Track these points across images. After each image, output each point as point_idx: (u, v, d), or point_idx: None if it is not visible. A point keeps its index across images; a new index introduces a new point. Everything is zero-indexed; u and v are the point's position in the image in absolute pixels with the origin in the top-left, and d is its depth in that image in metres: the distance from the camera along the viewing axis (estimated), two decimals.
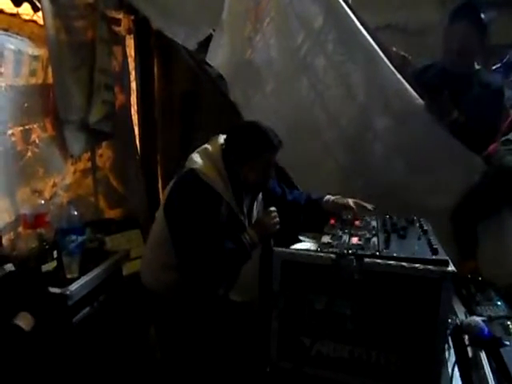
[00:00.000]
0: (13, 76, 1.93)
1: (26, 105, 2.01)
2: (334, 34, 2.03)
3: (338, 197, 1.72)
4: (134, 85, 2.70)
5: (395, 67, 1.94)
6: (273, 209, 1.47)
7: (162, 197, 1.59)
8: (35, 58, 2.04)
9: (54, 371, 1.65)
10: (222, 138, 1.56)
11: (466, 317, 1.47)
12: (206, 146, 1.57)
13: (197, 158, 1.51)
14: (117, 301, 2.03)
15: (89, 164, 2.47)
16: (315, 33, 2.04)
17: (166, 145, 2.83)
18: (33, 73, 2.05)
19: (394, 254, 1.24)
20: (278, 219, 1.46)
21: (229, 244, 1.40)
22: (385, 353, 1.25)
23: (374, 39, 1.96)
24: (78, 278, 1.77)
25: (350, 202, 1.65)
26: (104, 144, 2.55)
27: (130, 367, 2.10)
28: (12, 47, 1.89)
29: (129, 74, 2.64)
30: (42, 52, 2.05)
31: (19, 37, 1.95)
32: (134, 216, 2.65)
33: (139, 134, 2.77)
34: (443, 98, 1.86)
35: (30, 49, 2.00)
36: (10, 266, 1.49)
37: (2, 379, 1.43)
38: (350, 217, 1.56)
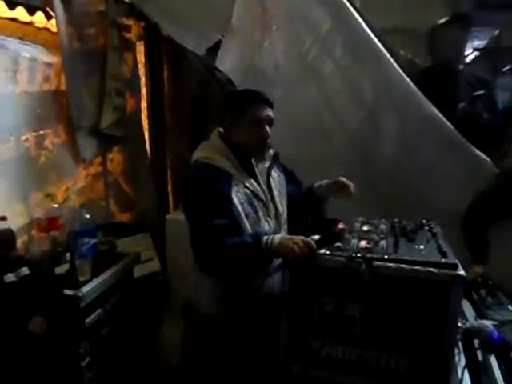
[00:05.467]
0: (27, 82, 1.98)
1: (39, 111, 2.06)
2: (342, 38, 2.05)
3: (326, 180, 1.68)
4: (144, 90, 2.74)
5: (403, 70, 1.95)
6: (307, 240, 1.27)
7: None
8: (49, 65, 2.08)
9: (66, 372, 1.68)
10: (219, 129, 1.55)
11: (476, 321, 1.47)
12: None
13: (196, 151, 1.51)
14: (128, 303, 2.06)
15: (100, 168, 2.51)
16: (323, 37, 2.06)
17: (176, 149, 2.86)
18: (46, 79, 2.09)
19: (403, 257, 1.24)
20: (299, 249, 1.25)
21: (246, 237, 1.34)
22: (394, 356, 1.25)
23: (381, 42, 1.97)
24: (90, 280, 1.81)
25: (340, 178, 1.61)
26: (115, 149, 2.58)
27: (140, 368, 2.12)
28: (27, 55, 1.94)
29: (139, 79, 2.67)
30: (55, 59, 2.10)
31: (34, 45, 2.00)
32: (143, 219, 2.68)
33: (149, 139, 2.79)
34: (476, 101, 1.91)
35: (44, 56, 2.05)
36: (25, 270, 1.51)
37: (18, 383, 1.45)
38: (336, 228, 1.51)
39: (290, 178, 1.72)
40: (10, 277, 1.45)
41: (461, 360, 1.30)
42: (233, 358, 1.48)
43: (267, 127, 1.47)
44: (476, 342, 1.33)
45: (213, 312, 1.48)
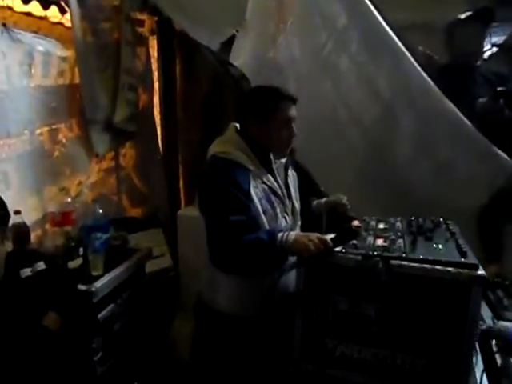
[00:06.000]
0: (42, 77, 1.99)
1: (53, 105, 2.06)
2: (358, 33, 2.02)
3: (325, 199, 1.71)
4: (156, 85, 2.74)
5: (421, 66, 1.91)
6: (323, 238, 1.26)
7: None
8: (63, 59, 2.09)
9: (79, 367, 1.69)
10: (235, 124, 1.52)
11: (494, 322, 1.44)
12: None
13: (212, 146, 1.48)
14: (140, 298, 2.06)
15: (112, 163, 2.52)
16: (339, 32, 2.03)
17: (188, 145, 2.86)
18: (60, 73, 2.10)
19: (421, 257, 1.22)
20: (315, 246, 1.24)
21: (261, 233, 1.32)
22: (410, 356, 1.23)
23: (399, 38, 1.93)
24: (103, 275, 1.80)
25: (341, 197, 1.65)
26: (127, 144, 2.59)
27: (151, 363, 2.13)
28: (41, 49, 1.95)
29: (152, 74, 2.67)
30: (69, 53, 2.11)
31: (48, 39, 2.00)
32: (155, 215, 2.69)
33: (161, 134, 2.80)
34: (498, 97, 1.88)
35: (59, 50, 2.06)
36: (41, 265, 1.52)
37: (31, 378, 1.45)
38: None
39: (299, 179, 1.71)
40: (26, 271, 1.45)
41: (478, 362, 1.28)
42: (247, 355, 1.47)
43: (293, 125, 1.46)
44: (494, 344, 1.30)
45: (226, 309, 1.47)
